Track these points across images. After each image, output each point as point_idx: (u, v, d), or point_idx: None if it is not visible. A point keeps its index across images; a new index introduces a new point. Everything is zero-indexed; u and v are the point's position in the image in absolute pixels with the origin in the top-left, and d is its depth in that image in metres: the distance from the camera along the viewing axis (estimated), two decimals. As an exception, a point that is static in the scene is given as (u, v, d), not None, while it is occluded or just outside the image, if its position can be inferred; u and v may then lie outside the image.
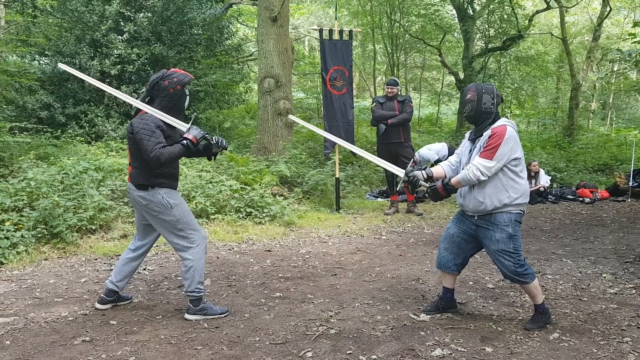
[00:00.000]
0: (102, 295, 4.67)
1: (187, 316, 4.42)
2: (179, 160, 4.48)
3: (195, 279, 4.34)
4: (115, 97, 11.73)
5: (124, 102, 11.75)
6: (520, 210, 4.16)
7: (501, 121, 4.13)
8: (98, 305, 4.62)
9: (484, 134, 4.11)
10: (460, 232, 4.36)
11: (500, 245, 4.09)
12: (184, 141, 4.18)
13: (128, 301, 4.80)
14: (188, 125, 4.27)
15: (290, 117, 5.12)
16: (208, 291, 5.20)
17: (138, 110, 4.35)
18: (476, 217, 4.21)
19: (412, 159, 5.06)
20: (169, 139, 4.23)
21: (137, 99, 4.40)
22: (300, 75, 24.06)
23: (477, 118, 4.18)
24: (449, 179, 4.25)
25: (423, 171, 4.38)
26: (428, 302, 4.80)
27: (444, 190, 4.25)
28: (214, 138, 4.38)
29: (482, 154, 4.02)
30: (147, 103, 4.30)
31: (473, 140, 4.25)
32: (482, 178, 4.00)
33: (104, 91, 11.89)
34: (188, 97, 4.46)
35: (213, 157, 4.54)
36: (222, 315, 4.48)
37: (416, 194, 9.97)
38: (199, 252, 4.38)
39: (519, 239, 4.16)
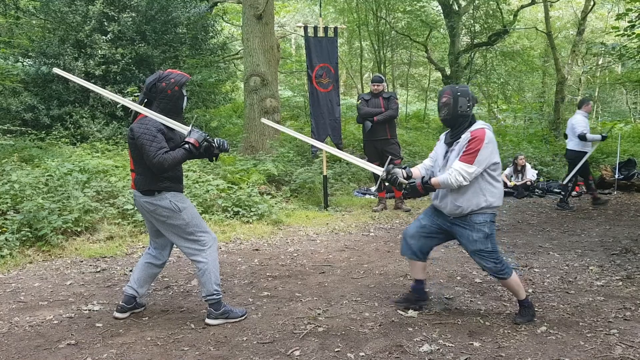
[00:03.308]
0: (121, 303, 4.51)
1: (208, 321, 4.31)
2: None
3: (212, 281, 4.24)
4: (100, 97, 11.72)
5: (110, 102, 11.73)
6: (495, 211, 4.19)
7: (479, 124, 4.12)
8: (116, 314, 4.48)
9: (462, 137, 4.08)
10: (433, 225, 4.36)
11: (478, 245, 4.11)
12: (187, 145, 4.06)
13: (143, 308, 4.67)
14: (189, 128, 4.14)
15: (264, 120, 4.99)
16: (196, 291, 5.17)
17: (136, 114, 4.21)
18: (451, 217, 4.22)
19: (390, 157, 5.05)
20: (170, 141, 4.11)
21: (138, 101, 4.27)
22: (287, 74, 24.01)
23: (453, 122, 4.15)
24: (429, 178, 4.22)
25: (403, 170, 4.36)
26: (400, 294, 4.80)
27: (422, 189, 4.22)
28: (215, 140, 4.25)
29: (463, 157, 3.99)
30: (144, 106, 4.17)
31: (450, 143, 4.22)
32: (464, 183, 3.98)
33: (89, 92, 11.89)
34: (186, 98, 4.33)
35: (215, 158, 4.40)
36: (243, 318, 4.40)
37: (404, 190, 9.96)
38: (212, 254, 4.28)
39: (494, 237, 4.19)
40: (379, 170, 4.50)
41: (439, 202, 4.27)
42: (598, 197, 9.78)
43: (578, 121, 9.34)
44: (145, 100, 4.17)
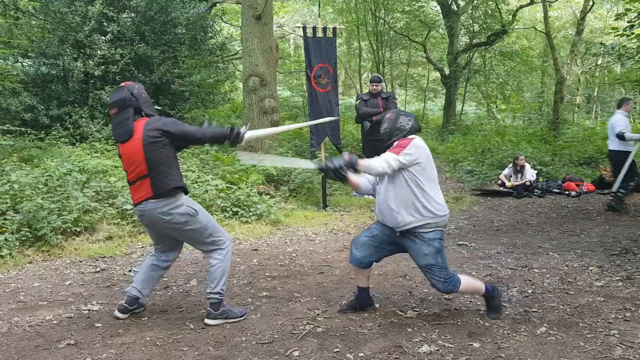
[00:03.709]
0: (124, 303, 4.51)
1: (207, 321, 4.30)
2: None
3: (222, 279, 4.27)
4: (99, 98, 11.71)
5: (108, 103, 11.71)
6: (442, 228, 4.21)
7: (411, 136, 4.25)
8: (117, 314, 4.47)
9: (394, 144, 4.23)
10: (385, 235, 4.35)
11: (429, 259, 4.12)
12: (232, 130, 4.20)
13: (142, 308, 4.66)
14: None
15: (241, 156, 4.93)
16: (195, 291, 5.18)
17: (123, 120, 4.14)
18: (397, 233, 4.21)
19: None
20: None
21: (124, 118, 4.19)
22: (286, 74, 24.02)
23: (391, 134, 4.29)
24: (358, 158, 4.18)
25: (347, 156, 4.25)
26: (345, 302, 4.74)
27: (348, 163, 4.12)
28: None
29: (391, 150, 4.14)
30: (135, 116, 4.14)
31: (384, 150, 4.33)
32: (386, 169, 4.03)
33: (88, 92, 11.88)
34: None
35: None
36: (242, 318, 4.39)
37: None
38: (228, 254, 4.33)
39: (444, 253, 4.23)
40: (311, 164, 4.50)
41: (382, 215, 4.28)
42: (619, 202, 9.29)
43: (618, 120, 9.06)
44: (133, 109, 4.14)
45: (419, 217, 4.08)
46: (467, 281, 4.28)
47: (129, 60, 12.11)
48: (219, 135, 4.21)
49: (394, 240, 4.31)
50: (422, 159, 4.10)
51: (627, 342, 3.84)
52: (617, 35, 9.99)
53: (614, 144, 9.17)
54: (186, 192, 4.29)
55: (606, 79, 23.73)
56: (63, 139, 10.78)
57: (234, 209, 8.22)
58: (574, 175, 12.25)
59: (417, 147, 4.09)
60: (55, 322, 4.39)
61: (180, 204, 4.14)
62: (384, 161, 4.03)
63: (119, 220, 7.38)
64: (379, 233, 4.38)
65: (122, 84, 4.30)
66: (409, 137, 4.21)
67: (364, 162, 4.13)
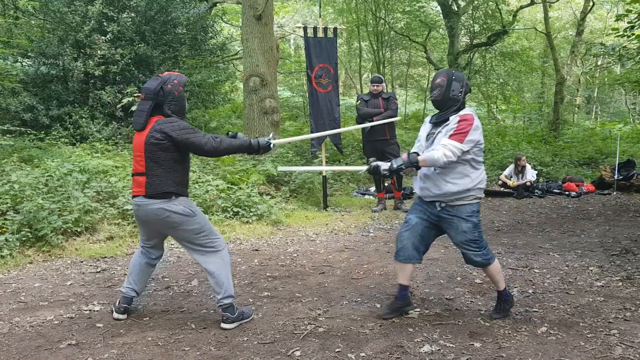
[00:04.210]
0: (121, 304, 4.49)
1: (225, 326, 4.22)
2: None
3: (228, 283, 4.22)
4: (99, 98, 11.72)
5: (109, 102, 11.72)
6: (479, 197, 4.22)
7: (468, 110, 4.18)
8: (117, 315, 4.46)
9: (451, 118, 4.12)
10: (423, 222, 4.32)
11: (468, 235, 4.14)
12: (254, 140, 4.27)
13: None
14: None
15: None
16: (196, 291, 5.18)
17: (141, 110, 4.11)
18: (438, 208, 4.20)
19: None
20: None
21: (143, 108, 4.14)
22: (286, 74, 24.02)
23: (443, 103, 4.18)
24: (416, 154, 4.19)
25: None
26: (384, 306, 4.63)
27: (408, 163, 4.15)
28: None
29: (452, 136, 4.03)
30: (152, 111, 4.10)
31: (436, 124, 4.26)
32: (452, 159, 3.99)
33: (88, 92, 11.88)
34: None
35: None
36: (250, 318, 4.39)
37: (403, 191, 9.96)
38: (225, 257, 4.28)
39: (481, 225, 4.26)
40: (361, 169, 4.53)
41: (423, 184, 4.26)
42: None
43: None
44: (154, 104, 4.11)
45: (463, 187, 4.08)
46: (498, 266, 4.33)
47: (129, 60, 12.12)
48: (237, 148, 4.23)
49: (432, 223, 4.29)
50: (480, 139, 4.11)
51: (627, 342, 3.84)
52: (618, 36, 9.99)
53: None
54: (187, 195, 4.26)
55: (606, 79, 23.78)
56: (63, 139, 10.78)
57: (235, 209, 8.22)
58: (574, 176, 12.28)
59: (478, 130, 4.07)
60: (56, 322, 4.39)
61: (177, 204, 4.10)
62: (450, 152, 3.97)
63: (120, 220, 7.38)
64: (417, 221, 4.33)
65: (166, 73, 4.24)
66: (466, 112, 4.11)
67: (425, 158, 4.09)
